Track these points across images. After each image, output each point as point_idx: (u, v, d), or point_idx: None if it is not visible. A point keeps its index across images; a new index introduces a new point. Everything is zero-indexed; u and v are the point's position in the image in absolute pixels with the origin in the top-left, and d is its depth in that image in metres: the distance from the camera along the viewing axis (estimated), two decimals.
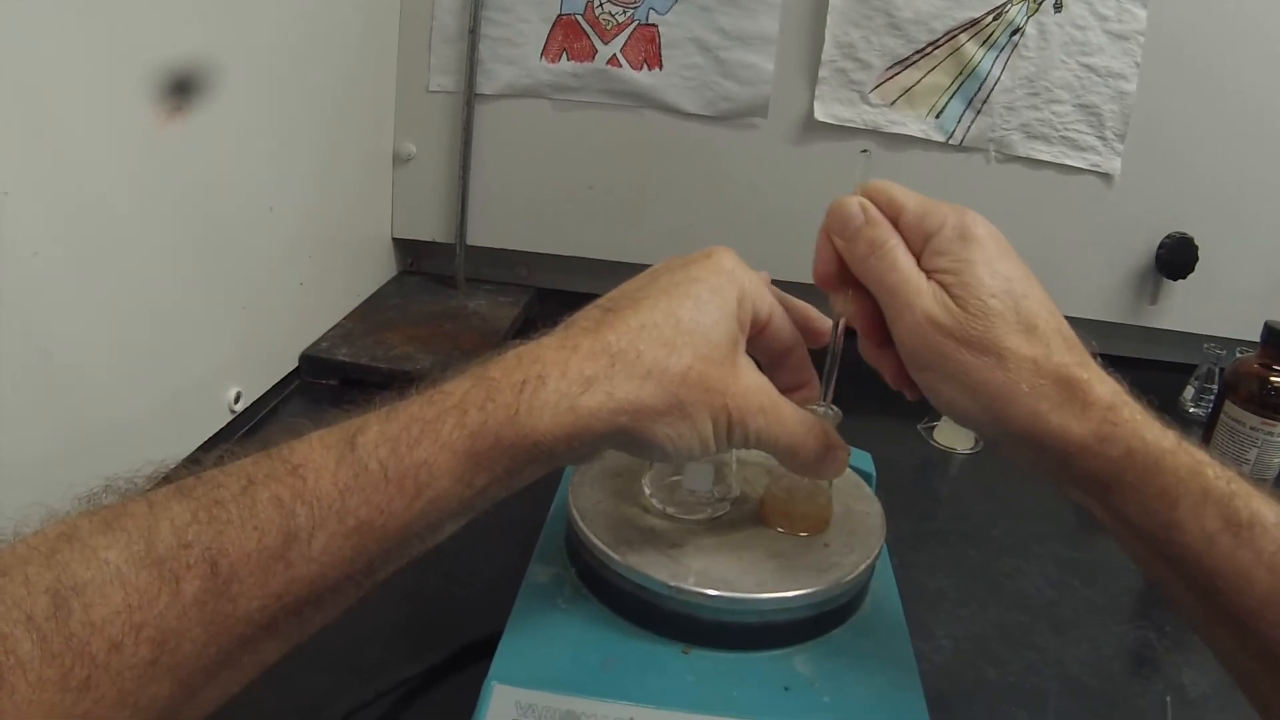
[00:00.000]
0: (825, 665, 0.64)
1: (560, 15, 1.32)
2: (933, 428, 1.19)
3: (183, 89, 0.89)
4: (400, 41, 1.36)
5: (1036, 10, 1.34)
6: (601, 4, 1.31)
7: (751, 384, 0.58)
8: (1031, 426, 0.58)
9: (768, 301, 0.64)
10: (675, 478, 0.69)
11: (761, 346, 0.65)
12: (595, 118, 1.37)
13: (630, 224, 1.41)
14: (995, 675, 0.81)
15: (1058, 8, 1.35)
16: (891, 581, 0.73)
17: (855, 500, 0.74)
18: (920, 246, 0.62)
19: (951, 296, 0.59)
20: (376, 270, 1.44)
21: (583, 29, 1.33)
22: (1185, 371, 1.42)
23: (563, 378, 0.52)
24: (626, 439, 0.54)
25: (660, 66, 1.33)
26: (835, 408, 0.67)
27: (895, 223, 0.62)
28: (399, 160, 1.40)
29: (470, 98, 1.36)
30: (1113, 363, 1.62)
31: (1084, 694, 0.81)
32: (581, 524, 0.65)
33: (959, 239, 0.60)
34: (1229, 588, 0.53)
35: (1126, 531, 0.59)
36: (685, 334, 0.55)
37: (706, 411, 0.55)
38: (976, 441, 1.18)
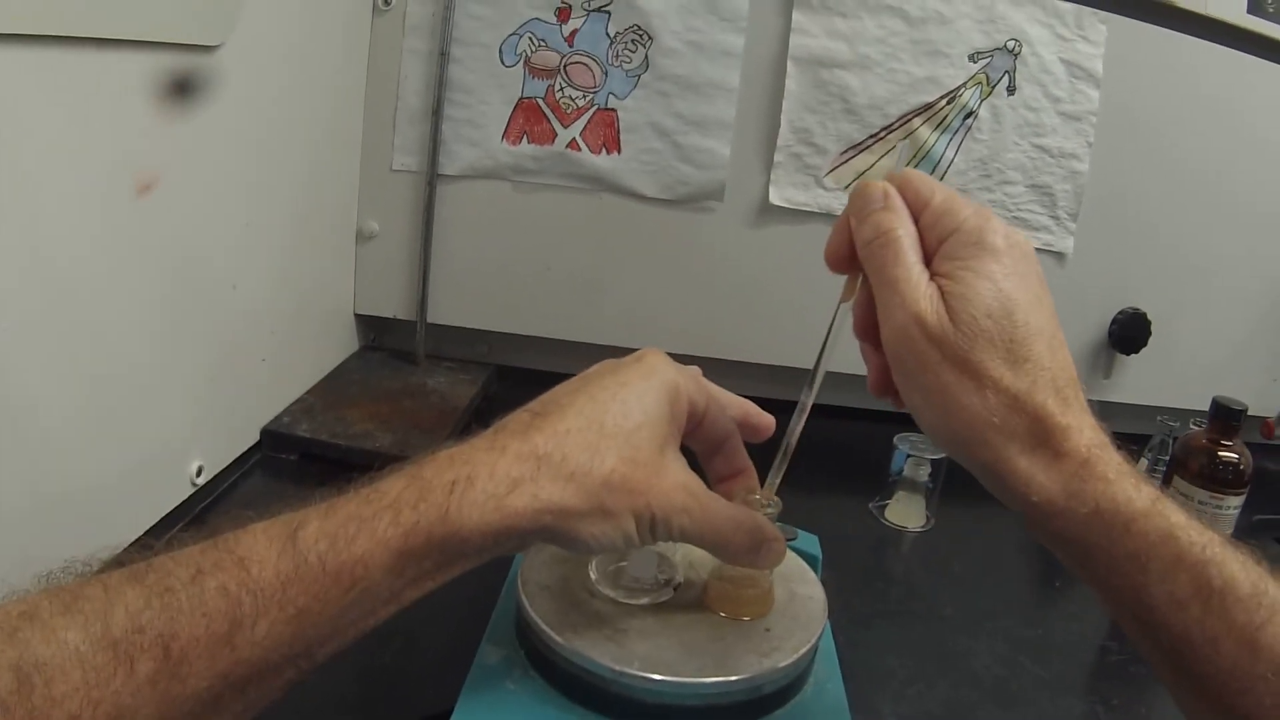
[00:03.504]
0: None
1: (521, 99, 1.34)
2: (884, 506, 1.20)
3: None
4: (365, 121, 1.38)
5: (990, 93, 1.38)
6: (562, 88, 1.33)
7: (676, 483, 0.59)
8: (996, 465, 0.56)
9: (703, 396, 0.66)
10: (621, 564, 0.70)
11: (699, 438, 0.68)
12: (555, 199, 1.39)
13: (588, 304, 1.43)
14: None
15: (1011, 90, 1.38)
16: (834, 663, 0.74)
17: (799, 584, 0.75)
18: (935, 246, 0.58)
19: (946, 305, 0.55)
20: (338, 345, 1.45)
21: (543, 112, 1.35)
22: (1139, 443, 1.44)
23: (490, 479, 0.54)
24: (551, 536, 0.56)
25: (619, 150, 1.35)
26: (776, 499, 0.68)
27: (918, 218, 0.59)
28: (362, 238, 1.42)
29: (432, 177, 1.37)
30: None
31: None
32: (529, 607, 0.66)
33: (972, 244, 0.56)
34: (1197, 655, 0.52)
35: (1094, 585, 0.57)
36: (609, 438, 0.57)
37: (629, 511, 0.57)
38: (928, 520, 1.20)
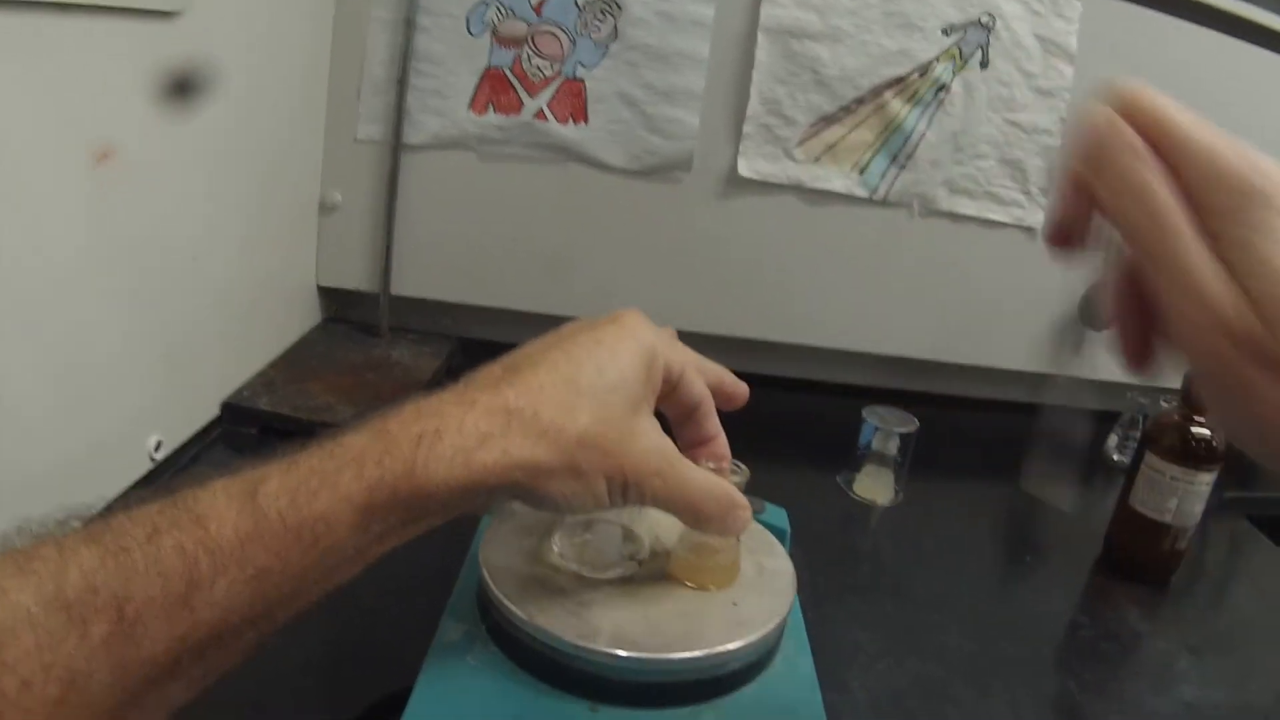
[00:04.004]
0: None
1: (488, 68, 1.32)
2: (852, 480, 1.19)
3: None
4: (329, 90, 1.36)
5: (963, 68, 1.36)
6: (529, 58, 1.31)
7: (650, 446, 0.58)
8: None
9: (679, 360, 0.65)
10: (586, 536, 0.69)
11: (672, 403, 0.66)
12: (521, 170, 1.37)
13: (555, 276, 1.41)
14: None
15: (984, 65, 1.37)
16: (804, 638, 0.73)
17: (767, 557, 0.74)
18: (1192, 195, 0.45)
19: (1242, 288, 0.42)
20: (300, 318, 1.43)
21: (510, 82, 1.33)
22: (1110, 420, 1.44)
23: (459, 433, 0.52)
24: (520, 493, 0.55)
25: (587, 121, 1.33)
26: (742, 465, 0.67)
27: (1163, 155, 0.46)
28: (325, 209, 1.40)
29: (397, 147, 1.35)
30: (1038, 411, 1.63)
31: None
32: (491, 582, 0.65)
33: (1243, 194, 0.43)
34: None
35: None
36: (584, 396, 0.56)
37: (601, 473, 0.56)
38: (897, 494, 1.19)
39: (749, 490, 0.66)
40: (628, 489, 0.57)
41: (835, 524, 1.14)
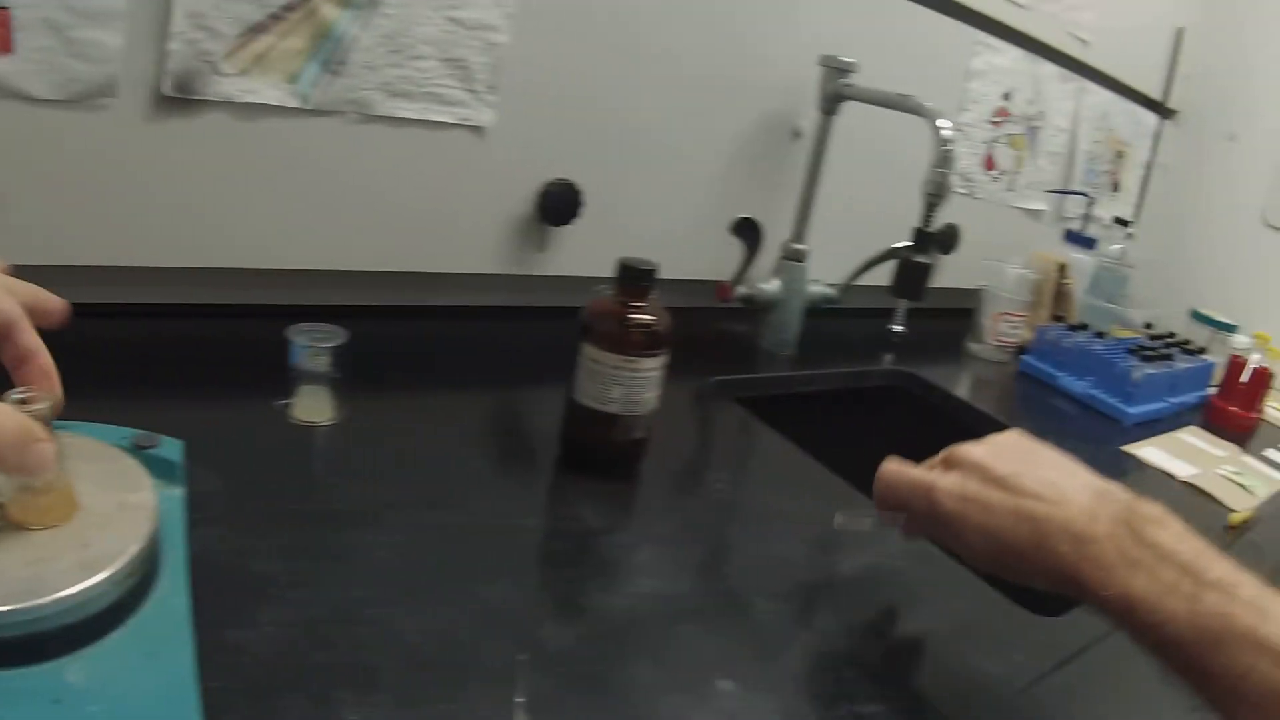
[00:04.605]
0: (99, 673, 0.60)
1: None
2: (290, 404, 1.15)
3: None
4: None
5: None
6: None
7: None
8: None
9: None
10: None
11: None
12: None
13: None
14: (322, 658, 0.78)
15: None
16: (181, 576, 0.70)
17: (131, 493, 0.70)
18: None
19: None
20: None
21: None
22: (572, 315, 1.46)
23: None
24: None
25: (11, 51, 1.21)
26: (50, 396, 0.65)
27: None
28: None
29: None
30: (506, 314, 1.65)
31: (422, 664, 0.80)
32: None
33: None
34: None
35: None
36: None
37: None
38: (338, 412, 1.17)
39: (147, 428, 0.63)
40: None
41: (270, 450, 1.09)
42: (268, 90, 1.30)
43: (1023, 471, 0.90)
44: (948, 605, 1.10)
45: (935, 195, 1.60)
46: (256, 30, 1.27)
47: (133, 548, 0.64)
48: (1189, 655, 0.76)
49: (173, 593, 0.68)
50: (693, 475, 1.31)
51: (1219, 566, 0.79)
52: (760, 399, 1.65)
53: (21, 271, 0.71)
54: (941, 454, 0.99)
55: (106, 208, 1.25)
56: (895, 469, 0.99)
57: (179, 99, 1.25)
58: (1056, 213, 2.80)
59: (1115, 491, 0.88)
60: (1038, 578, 0.87)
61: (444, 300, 1.65)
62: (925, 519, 0.95)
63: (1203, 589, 0.77)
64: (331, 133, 1.37)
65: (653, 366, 1.15)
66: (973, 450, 0.95)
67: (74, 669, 0.60)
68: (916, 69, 2.06)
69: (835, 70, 1.81)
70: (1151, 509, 0.84)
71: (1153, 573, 0.79)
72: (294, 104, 1.32)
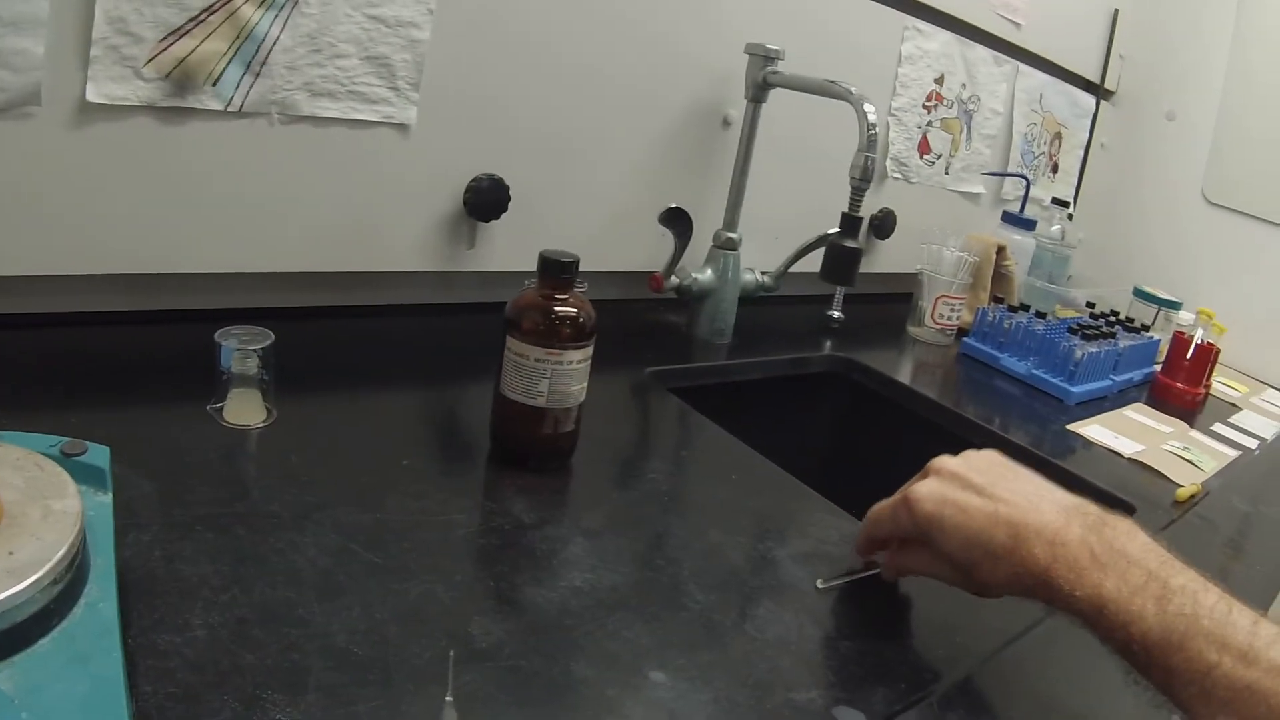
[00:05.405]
0: (28, 680, 0.61)
1: None
2: (221, 408, 1.16)
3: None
4: None
5: None
6: None
7: None
8: None
9: None
10: None
11: None
12: None
13: None
14: (252, 660, 0.78)
15: None
16: (110, 581, 0.70)
17: (57, 500, 0.70)
18: None
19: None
20: None
21: None
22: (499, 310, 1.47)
23: None
24: None
25: None
26: None
27: None
28: None
29: None
30: (435, 311, 1.66)
31: (351, 664, 0.81)
32: None
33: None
34: None
35: None
36: None
37: None
38: (270, 413, 1.17)
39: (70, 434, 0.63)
40: None
41: (202, 454, 1.09)
42: (189, 94, 1.29)
43: (998, 482, 0.97)
44: (886, 589, 1.12)
45: (861, 180, 1.61)
46: (177, 33, 1.26)
47: (58, 554, 0.64)
48: (1156, 654, 0.81)
49: (101, 598, 0.68)
50: (627, 467, 1.32)
51: (1184, 574, 0.85)
52: (696, 389, 1.67)
53: None
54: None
55: (31, 216, 1.24)
56: (877, 506, 1.09)
57: (102, 105, 1.24)
58: (995, 195, 2.83)
59: (1087, 505, 0.94)
60: (1008, 583, 0.93)
61: (372, 299, 1.66)
62: (905, 527, 1.03)
63: (1169, 592, 0.82)
64: (255, 134, 1.37)
65: (579, 359, 1.16)
66: (949, 460, 1.03)
67: (2, 677, 0.60)
68: (847, 56, 2.08)
69: (761, 58, 1.83)
70: (1121, 521, 0.91)
71: (1123, 575, 0.85)
72: (215, 106, 1.32)
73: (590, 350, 1.17)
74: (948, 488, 0.98)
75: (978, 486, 0.96)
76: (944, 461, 1.03)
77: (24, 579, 0.61)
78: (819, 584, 1.09)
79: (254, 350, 1.13)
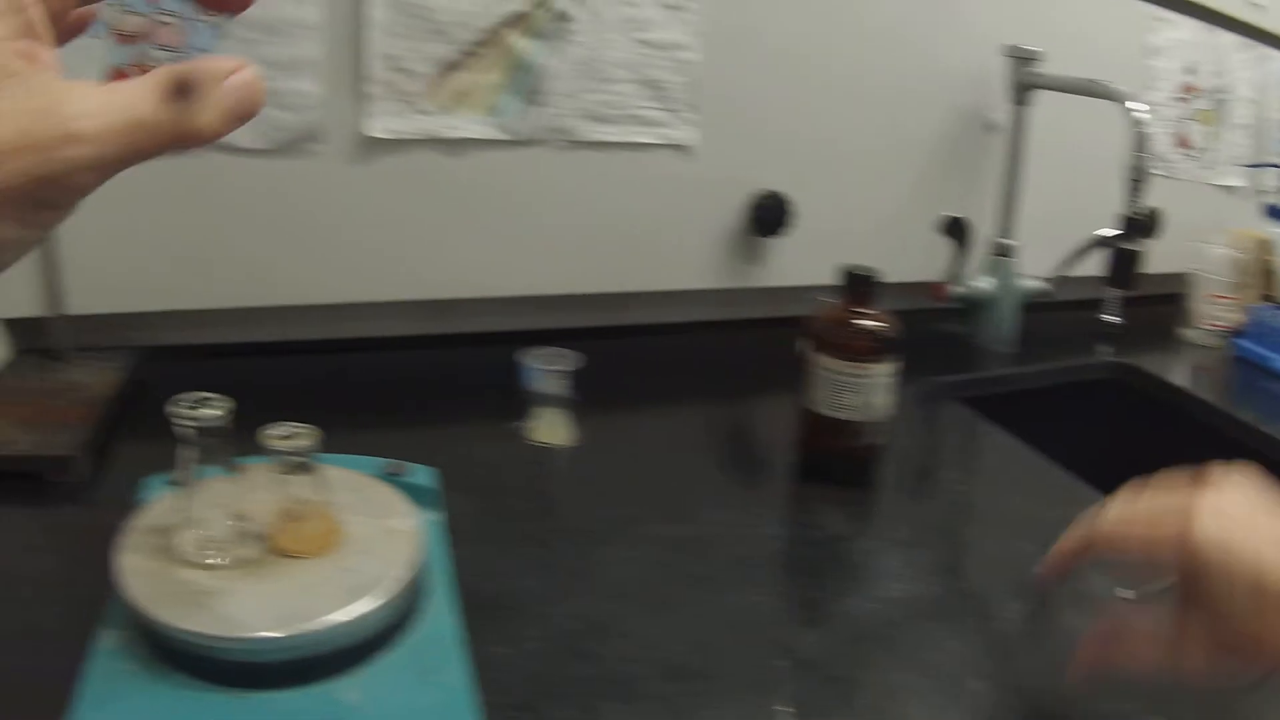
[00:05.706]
0: (374, 693, 0.66)
1: (112, 68, 1.28)
2: (528, 427, 1.21)
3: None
4: None
5: None
6: (152, 51, 1.28)
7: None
8: None
9: None
10: (205, 532, 0.69)
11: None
12: (163, 166, 1.31)
13: (214, 266, 1.36)
14: (585, 670, 0.81)
15: None
16: (449, 597, 0.74)
17: (393, 519, 0.75)
18: None
19: None
20: None
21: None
22: (793, 325, 1.47)
23: None
24: None
25: None
26: None
27: None
28: None
29: None
30: (726, 327, 1.66)
31: (683, 673, 0.82)
32: (123, 587, 0.65)
33: None
34: None
35: None
36: None
37: None
38: (576, 432, 1.22)
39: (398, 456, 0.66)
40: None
41: (515, 473, 1.15)
42: (471, 125, 1.37)
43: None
44: None
45: (1136, 179, 1.56)
46: (452, 67, 1.34)
47: (400, 572, 0.69)
48: None
49: (442, 613, 0.73)
50: (926, 477, 1.31)
51: None
52: (984, 398, 1.64)
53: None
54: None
55: (319, 243, 1.35)
56: (1117, 510, 0.80)
57: (383, 139, 1.33)
58: (1253, 187, 2.69)
59: None
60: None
61: (653, 318, 1.69)
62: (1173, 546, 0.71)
63: None
64: (540, 162, 1.44)
65: (884, 372, 1.15)
66: (1230, 473, 0.76)
67: (349, 690, 0.66)
68: (1094, 51, 2.01)
69: (1021, 60, 1.79)
70: None
71: None
72: (499, 136, 1.39)
73: (895, 363, 1.17)
74: (1233, 500, 0.72)
75: (1269, 505, 0.72)
76: (1226, 474, 0.76)
77: (368, 596, 0.66)
78: (1123, 594, 1.06)
79: (558, 371, 1.19)
